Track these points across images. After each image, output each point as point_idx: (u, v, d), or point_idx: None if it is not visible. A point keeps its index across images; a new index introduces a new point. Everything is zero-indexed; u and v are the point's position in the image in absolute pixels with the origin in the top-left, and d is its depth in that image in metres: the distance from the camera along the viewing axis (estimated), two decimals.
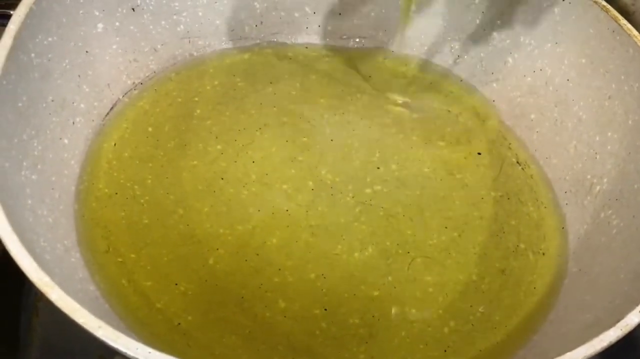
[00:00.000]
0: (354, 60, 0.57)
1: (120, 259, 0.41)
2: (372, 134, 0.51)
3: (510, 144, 0.52)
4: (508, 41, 0.53)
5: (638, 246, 0.40)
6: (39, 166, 0.40)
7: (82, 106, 0.46)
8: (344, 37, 0.57)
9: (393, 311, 0.42)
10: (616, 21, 0.46)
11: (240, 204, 0.45)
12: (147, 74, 0.52)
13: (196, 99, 0.51)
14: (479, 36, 0.54)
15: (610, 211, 0.44)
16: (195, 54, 0.54)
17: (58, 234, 0.40)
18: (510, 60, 0.53)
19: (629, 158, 0.45)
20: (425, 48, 0.57)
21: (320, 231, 0.45)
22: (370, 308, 0.42)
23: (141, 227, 0.43)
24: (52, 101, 0.43)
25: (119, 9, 0.49)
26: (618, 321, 0.32)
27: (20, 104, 0.39)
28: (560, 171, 0.50)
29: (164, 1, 0.51)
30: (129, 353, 0.28)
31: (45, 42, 0.42)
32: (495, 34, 0.53)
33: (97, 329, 0.28)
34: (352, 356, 0.40)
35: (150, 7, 0.51)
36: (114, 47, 0.49)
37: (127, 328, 0.37)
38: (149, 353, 0.28)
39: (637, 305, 0.33)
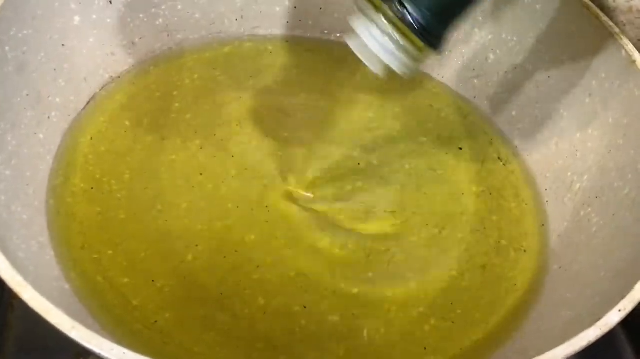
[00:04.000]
0: (335, 55, 0.57)
1: (96, 256, 0.41)
2: (353, 129, 0.51)
3: (491, 139, 0.52)
4: (490, 37, 0.53)
5: (618, 244, 0.40)
6: (13, 161, 0.40)
7: (58, 100, 0.45)
8: (325, 31, 0.57)
9: (373, 308, 0.41)
10: (597, 18, 0.46)
11: (219, 199, 0.45)
12: (125, 68, 0.51)
13: (175, 92, 0.51)
14: (460, 33, 0.54)
15: (590, 209, 0.44)
16: (174, 47, 0.53)
17: (33, 231, 0.39)
18: (491, 56, 0.53)
19: (609, 156, 0.45)
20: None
21: (299, 226, 0.44)
22: (350, 305, 0.41)
23: (118, 223, 0.42)
24: (27, 95, 0.42)
25: (96, 2, 0.48)
26: (597, 320, 0.32)
27: None
28: (542, 167, 0.50)
29: None
30: (103, 353, 0.28)
31: (20, 35, 0.42)
32: (476, 30, 0.53)
33: (70, 330, 0.28)
34: (332, 354, 0.39)
35: (128, 0, 0.50)
36: (91, 40, 0.48)
37: (102, 327, 0.37)
38: (124, 353, 0.27)
39: (616, 304, 0.33)
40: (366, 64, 0.36)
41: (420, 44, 0.35)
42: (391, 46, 0.35)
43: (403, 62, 0.36)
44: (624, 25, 0.49)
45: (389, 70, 0.36)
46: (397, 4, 0.34)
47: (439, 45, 0.35)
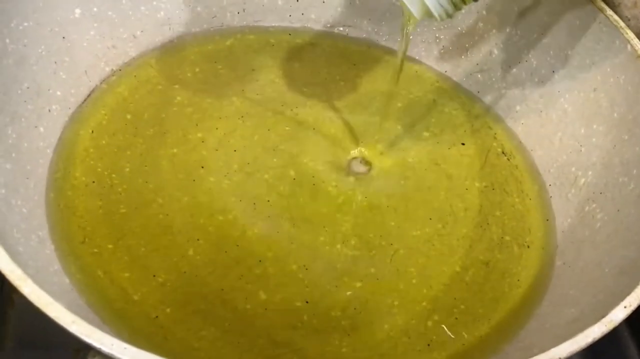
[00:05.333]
0: (337, 49, 0.56)
1: (96, 250, 0.40)
2: (355, 123, 0.51)
3: (495, 134, 0.52)
4: (494, 31, 0.52)
5: (622, 240, 0.40)
6: (13, 155, 0.39)
7: (58, 93, 0.45)
8: (328, 25, 0.57)
9: (376, 303, 0.41)
10: (602, 12, 0.45)
11: (220, 193, 0.44)
12: (126, 61, 0.51)
13: (176, 86, 0.50)
14: (464, 27, 0.54)
15: (594, 205, 0.44)
16: (175, 40, 0.53)
17: (32, 225, 0.39)
18: (495, 51, 0.53)
19: (614, 151, 0.44)
20: (410, 38, 0.56)
21: (302, 221, 0.44)
22: (352, 300, 0.41)
23: (119, 217, 0.42)
24: (28, 87, 0.42)
25: None
26: (602, 316, 0.32)
27: None
28: (546, 162, 0.50)
29: None
30: (104, 348, 0.27)
31: (20, 27, 0.41)
32: (480, 24, 0.53)
33: (70, 324, 0.28)
34: (335, 349, 0.39)
35: None
36: (92, 33, 0.48)
37: (102, 322, 0.37)
38: (125, 348, 0.27)
39: (621, 301, 0.32)
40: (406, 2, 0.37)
41: None
42: None
43: (444, 6, 0.36)
44: (629, 20, 0.49)
45: (426, 13, 0.37)
46: None
47: None
